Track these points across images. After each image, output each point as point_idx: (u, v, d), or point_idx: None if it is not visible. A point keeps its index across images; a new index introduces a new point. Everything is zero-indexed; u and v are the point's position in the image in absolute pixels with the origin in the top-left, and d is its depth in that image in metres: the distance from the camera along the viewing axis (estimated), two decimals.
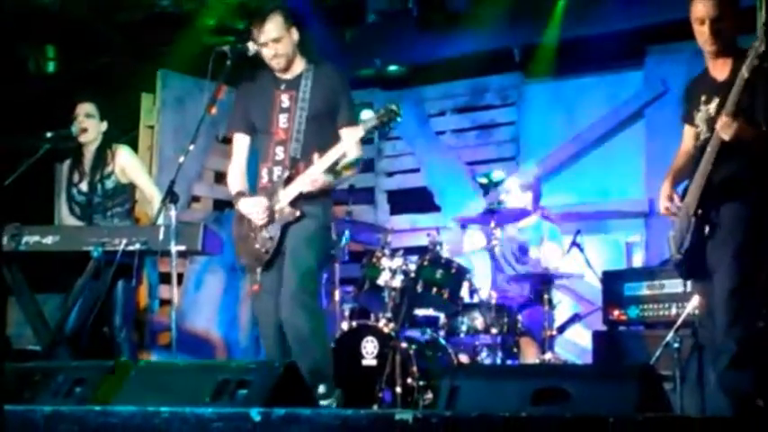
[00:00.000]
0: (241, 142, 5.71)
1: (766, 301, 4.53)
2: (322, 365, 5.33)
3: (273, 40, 5.44)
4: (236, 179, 5.68)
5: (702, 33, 4.68)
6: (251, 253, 5.50)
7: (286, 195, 5.41)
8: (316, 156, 5.35)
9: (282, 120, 5.52)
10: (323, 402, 5.13)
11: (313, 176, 5.35)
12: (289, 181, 5.42)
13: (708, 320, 4.78)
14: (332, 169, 5.42)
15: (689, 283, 6.06)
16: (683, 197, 4.80)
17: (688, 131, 4.99)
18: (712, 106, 4.68)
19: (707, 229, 4.62)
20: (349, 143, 5.40)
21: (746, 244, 4.52)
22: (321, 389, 5.21)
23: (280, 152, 5.50)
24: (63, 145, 6.90)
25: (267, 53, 5.48)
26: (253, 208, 5.46)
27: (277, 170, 5.50)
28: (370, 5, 8.44)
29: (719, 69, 4.73)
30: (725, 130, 4.48)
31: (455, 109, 9.36)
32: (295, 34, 5.53)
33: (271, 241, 5.42)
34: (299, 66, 5.59)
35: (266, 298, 5.48)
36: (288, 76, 5.57)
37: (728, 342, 4.47)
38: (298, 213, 5.39)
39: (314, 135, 5.44)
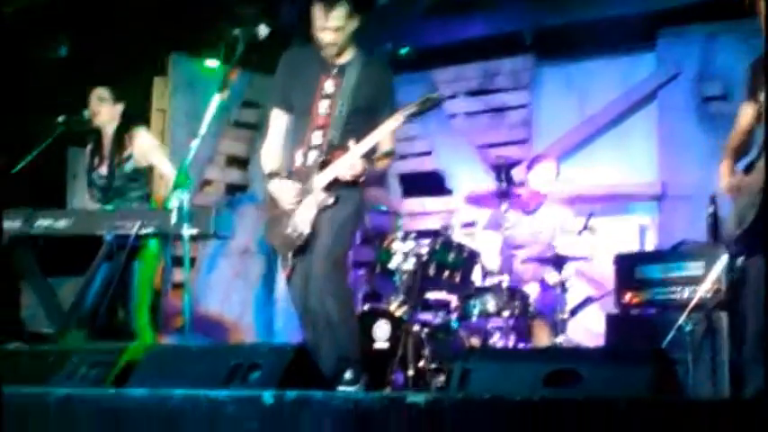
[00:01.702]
0: (280, 120, 5.66)
1: None
2: (349, 351, 5.32)
3: (336, 29, 5.38)
4: (271, 157, 5.64)
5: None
6: (282, 236, 5.48)
7: (321, 180, 5.39)
8: (351, 142, 5.31)
9: (323, 106, 5.47)
10: (350, 389, 5.12)
11: (351, 161, 5.32)
12: (324, 166, 5.39)
13: (751, 299, 4.70)
14: (368, 156, 5.40)
15: (702, 265, 6.08)
16: (745, 172, 4.73)
17: (746, 109, 4.90)
18: None
19: None
20: (388, 128, 5.37)
21: None
22: (348, 374, 5.20)
23: (317, 137, 5.46)
24: (76, 129, 6.91)
25: (324, 38, 5.42)
26: (284, 191, 5.44)
27: (313, 155, 5.45)
28: None
29: None
30: None
31: (467, 92, 9.33)
32: (355, 23, 5.43)
33: (303, 225, 5.40)
34: (349, 53, 5.54)
35: (298, 282, 5.48)
36: (336, 61, 5.52)
37: None
38: (333, 199, 5.37)
39: (353, 125, 5.41)
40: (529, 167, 7.66)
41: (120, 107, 6.64)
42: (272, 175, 5.53)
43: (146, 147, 6.58)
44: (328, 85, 5.49)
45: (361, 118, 5.44)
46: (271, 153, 5.66)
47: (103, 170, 6.58)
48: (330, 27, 5.37)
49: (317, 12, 5.39)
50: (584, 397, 3.18)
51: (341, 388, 5.05)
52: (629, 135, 8.53)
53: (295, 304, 5.60)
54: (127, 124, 6.64)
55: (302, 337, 5.62)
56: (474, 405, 3.18)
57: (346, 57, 5.53)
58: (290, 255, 5.48)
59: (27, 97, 7.61)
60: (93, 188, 6.63)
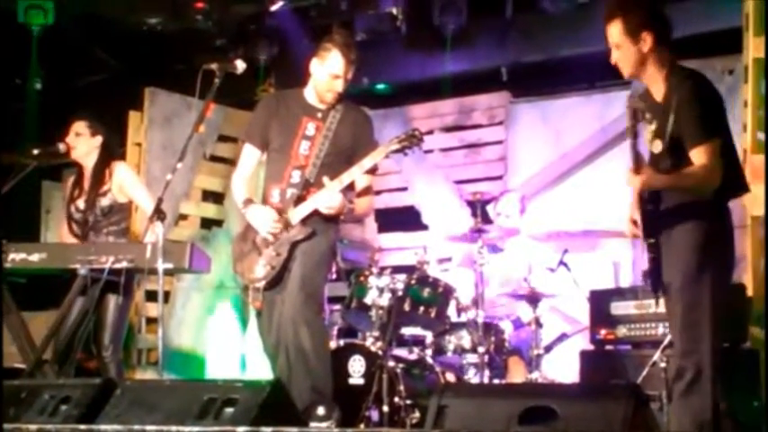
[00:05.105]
0: (251, 154, 5.76)
1: (723, 322, 4.46)
2: (322, 385, 5.37)
3: (348, 80, 5.59)
4: (243, 187, 5.74)
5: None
6: (253, 270, 5.53)
7: (296, 214, 5.48)
8: (326, 179, 5.44)
9: (304, 146, 5.60)
10: (322, 425, 5.12)
11: (329, 194, 5.42)
12: (299, 201, 5.49)
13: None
14: (347, 194, 5.53)
15: None
16: None
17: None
18: (653, 127, 4.58)
19: (659, 255, 4.51)
20: (368, 164, 5.51)
21: (695, 269, 4.40)
22: (320, 410, 5.21)
23: (296, 176, 5.58)
24: (50, 162, 6.88)
25: (337, 86, 5.55)
26: (263, 217, 5.51)
27: (291, 192, 5.56)
28: (358, 24, 8.46)
29: (655, 89, 4.66)
30: (631, 182, 4.48)
31: (443, 128, 9.37)
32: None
33: (278, 258, 5.47)
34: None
35: (269, 315, 5.50)
36: (320, 105, 5.64)
37: (686, 365, 4.41)
38: (309, 231, 5.45)
39: (332, 166, 5.54)
40: (495, 202, 7.70)
41: (98, 140, 6.59)
42: (248, 201, 5.62)
43: (124, 181, 6.53)
44: (310, 127, 5.62)
45: (340, 159, 5.57)
46: (241, 184, 5.76)
47: (81, 204, 6.53)
48: (347, 77, 5.57)
49: (338, 61, 5.56)
50: None
51: (313, 424, 5.04)
52: (604, 172, 8.56)
53: (263, 337, 5.66)
54: (106, 158, 6.59)
55: (271, 370, 5.64)
56: None
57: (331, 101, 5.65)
58: (261, 287, 5.51)
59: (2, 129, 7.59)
60: (71, 222, 6.57)
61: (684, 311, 4.42)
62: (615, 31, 4.64)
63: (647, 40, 4.60)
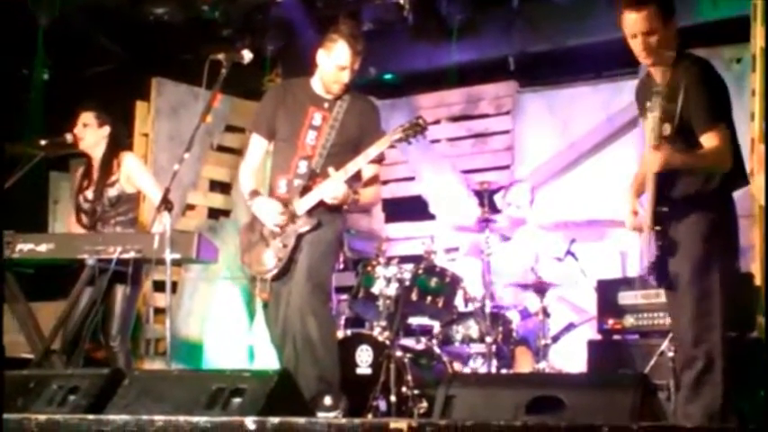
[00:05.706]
0: (258, 144, 5.77)
1: (732, 311, 4.47)
2: (329, 375, 5.39)
3: (355, 70, 5.58)
4: (250, 178, 5.75)
5: (636, 46, 4.61)
6: (261, 261, 5.53)
7: (302, 205, 5.48)
8: (331, 169, 5.43)
9: (311, 136, 5.60)
10: (329, 414, 5.13)
11: (335, 185, 5.41)
12: (304, 191, 5.49)
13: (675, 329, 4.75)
14: (352, 185, 5.53)
15: None
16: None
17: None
18: (656, 114, 4.56)
19: (667, 242, 4.51)
20: (373, 153, 5.50)
21: (704, 259, 4.43)
22: (327, 400, 5.22)
23: (303, 166, 5.58)
24: (57, 153, 6.87)
25: (344, 78, 5.55)
26: (269, 210, 5.51)
27: (297, 182, 5.56)
28: (364, 14, 8.45)
29: (658, 73, 4.63)
30: (652, 160, 4.45)
31: (450, 117, 9.35)
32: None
33: (284, 249, 5.48)
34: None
35: (276, 306, 5.51)
36: (326, 95, 5.64)
37: (696, 355, 4.41)
38: (315, 221, 5.46)
39: (338, 156, 5.53)
40: (504, 192, 7.69)
41: (105, 131, 6.58)
42: (255, 193, 5.62)
43: (132, 171, 6.52)
44: (317, 117, 5.61)
45: (347, 149, 5.56)
46: (249, 174, 5.77)
47: (89, 194, 6.53)
48: (354, 68, 5.55)
49: (344, 52, 5.55)
50: (566, 423, 3.17)
51: (320, 414, 5.05)
52: (612, 161, 8.55)
53: (269, 328, 5.66)
54: (114, 148, 6.58)
55: (278, 360, 5.65)
56: (457, 431, 3.17)
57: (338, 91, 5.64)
58: (269, 278, 5.52)
59: (9, 120, 7.59)
60: (80, 212, 6.56)
61: (695, 301, 4.42)
62: (649, 17, 4.52)
63: (674, 25, 4.60)
